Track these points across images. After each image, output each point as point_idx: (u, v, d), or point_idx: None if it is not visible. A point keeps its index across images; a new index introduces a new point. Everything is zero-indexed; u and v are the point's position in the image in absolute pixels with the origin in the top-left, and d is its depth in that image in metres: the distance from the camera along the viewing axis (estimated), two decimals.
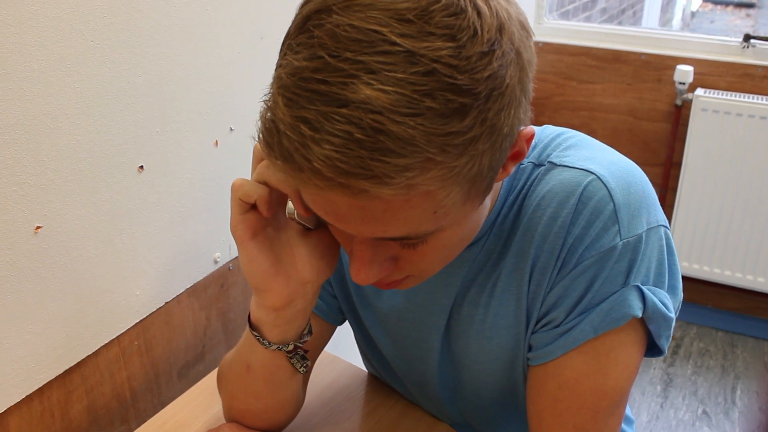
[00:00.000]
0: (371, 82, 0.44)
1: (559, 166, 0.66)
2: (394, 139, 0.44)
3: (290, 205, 0.63)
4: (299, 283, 0.66)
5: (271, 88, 0.49)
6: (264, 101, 0.50)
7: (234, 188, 0.63)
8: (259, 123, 0.50)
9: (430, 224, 0.52)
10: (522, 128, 0.54)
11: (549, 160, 0.67)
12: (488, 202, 0.62)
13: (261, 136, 0.50)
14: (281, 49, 0.51)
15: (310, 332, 0.73)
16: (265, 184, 0.62)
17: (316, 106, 0.45)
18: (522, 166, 0.69)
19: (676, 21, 6.48)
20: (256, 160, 0.63)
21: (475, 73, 0.46)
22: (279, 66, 0.50)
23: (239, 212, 0.63)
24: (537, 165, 0.68)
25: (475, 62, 0.46)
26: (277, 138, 0.48)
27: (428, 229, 0.53)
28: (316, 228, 0.66)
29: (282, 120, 0.47)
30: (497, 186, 0.68)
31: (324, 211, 0.53)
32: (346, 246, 0.61)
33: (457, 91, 0.45)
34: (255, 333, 0.71)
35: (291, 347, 0.71)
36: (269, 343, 0.70)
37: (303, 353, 0.73)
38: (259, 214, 0.64)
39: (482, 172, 0.50)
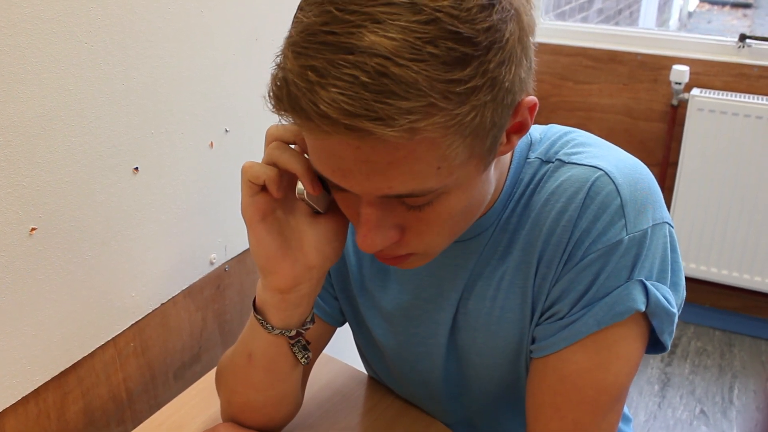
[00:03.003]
0: (376, 30, 0.47)
1: (568, 163, 0.67)
2: (398, 82, 0.46)
3: (300, 185, 0.63)
4: (305, 267, 0.67)
5: (281, 50, 0.52)
6: (275, 64, 0.52)
7: (243, 170, 0.64)
8: (269, 84, 0.52)
9: (435, 181, 0.53)
10: (524, 97, 0.56)
11: (557, 157, 0.68)
12: (493, 179, 0.63)
13: (271, 94, 0.52)
14: (293, 19, 0.53)
15: (312, 321, 0.74)
16: (274, 165, 0.63)
17: (324, 55, 0.48)
18: (529, 160, 0.70)
19: (673, 21, 6.49)
20: (268, 143, 0.64)
21: (475, 23, 0.48)
22: (290, 29, 0.52)
23: (249, 194, 0.65)
24: (544, 161, 0.69)
25: (475, 14, 0.48)
26: (285, 89, 0.50)
27: (433, 186, 0.54)
28: (325, 212, 0.67)
29: (291, 70, 0.49)
30: (503, 168, 0.68)
31: (331, 168, 0.54)
32: (354, 217, 0.61)
33: (458, 40, 0.48)
34: (259, 317, 0.71)
35: (293, 333, 0.72)
36: (272, 328, 0.71)
37: (305, 343, 0.74)
38: (269, 197, 0.65)
39: (484, 125, 0.52)
